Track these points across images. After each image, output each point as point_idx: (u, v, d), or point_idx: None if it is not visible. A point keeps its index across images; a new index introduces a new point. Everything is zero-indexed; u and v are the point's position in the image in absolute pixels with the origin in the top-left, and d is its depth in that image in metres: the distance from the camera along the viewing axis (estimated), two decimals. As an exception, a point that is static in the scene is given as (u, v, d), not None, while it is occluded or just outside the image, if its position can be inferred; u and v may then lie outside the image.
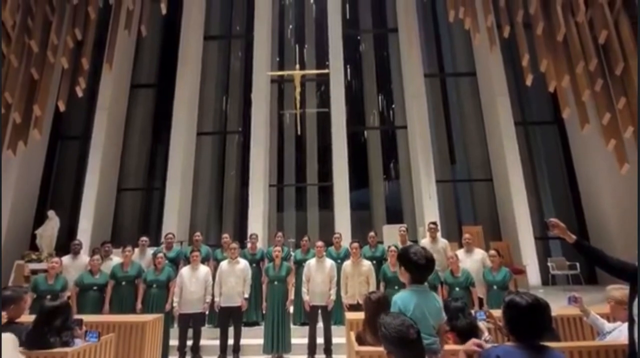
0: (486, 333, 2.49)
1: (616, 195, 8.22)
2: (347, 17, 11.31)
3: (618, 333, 2.47)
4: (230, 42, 11.64)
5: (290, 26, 11.73)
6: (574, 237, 2.16)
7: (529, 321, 1.53)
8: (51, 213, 8.26)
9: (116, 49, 9.28)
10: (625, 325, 2.38)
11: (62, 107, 8.74)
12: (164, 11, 9.27)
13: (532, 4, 8.33)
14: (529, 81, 8.45)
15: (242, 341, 4.95)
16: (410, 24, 10.11)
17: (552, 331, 2.63)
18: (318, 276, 4.88)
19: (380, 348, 2.27)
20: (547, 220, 2.26)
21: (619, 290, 2.49)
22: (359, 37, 11.60)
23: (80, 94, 8.87)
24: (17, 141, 8.36)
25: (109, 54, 9.27)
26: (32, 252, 7.88)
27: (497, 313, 2.56)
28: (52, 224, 8.15)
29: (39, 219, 8.83)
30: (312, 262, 5.03)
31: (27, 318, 2.93)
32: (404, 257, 2.02)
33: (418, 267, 1.96)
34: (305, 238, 5.93)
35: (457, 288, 4.63)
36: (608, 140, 7.64)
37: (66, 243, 7.54)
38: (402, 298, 1.93)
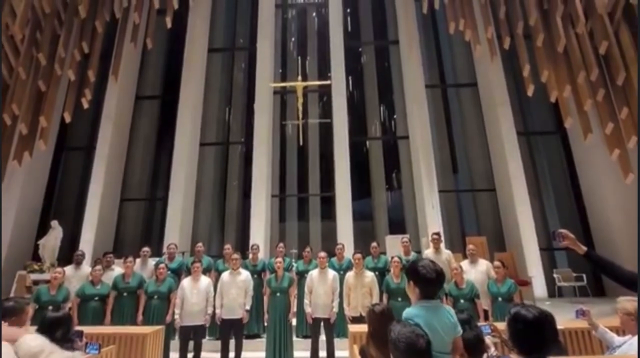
0: (492, 349, 2.43)
1: (621, 204, 8.14)
2: (349, 29, 11.49)
3: (628, 347, 2.40)
4: (233, 55, 11.81)
5: (293, 38, 11.91)
6: (584, 248, 2.10)
7: (534, 334, 1.49)
8: (54, 223, 8.28)
9: (122, 61, 9.44)
10: (636, 338, 2.33)
11: (67, 119, 8.86)
12: (169, 25, 9.46)
13: (532, 16, 8.42)
14: (530, 91, 8.49)
15: (244, 354, 4.87)
16: (411, 36, 10.23)
17: (559, 344, 2.57)
18: (320, 287, 4.83)
19: (384, 362, 2.23)
20: (556, 231, 2.19)
21: (630, 301, 2.41)
22: (360, 49, 11.74)
23: (86, 105, 9.00)
24: (22, 152, 8.46)
25: (114, 66, 9.44)
26: (34, 262, 7.87)
27: (503, 325, 2.51)
28: (55, 234, 8.16)
29: (42, 229, 8.86)
30: (314, 273, 4.98)
31: (29, 329, 2.91)
32: (413, 271, 1.95)
33: (427, 281, 1.88)
34: (308, 249, 5.89)
35: (461, 300, 4.56)
36: (612, 150, 7.62)
37: (69, 254, 7.54)
38: (411, 315, 1.85)
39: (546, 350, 1.49)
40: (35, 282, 6.97)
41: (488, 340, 2.50)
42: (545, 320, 1.51)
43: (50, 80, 8.80)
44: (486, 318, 4.46)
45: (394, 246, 6.82)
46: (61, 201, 10.19)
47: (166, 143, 10.53)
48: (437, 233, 5.72)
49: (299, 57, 9.99)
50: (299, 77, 8.87)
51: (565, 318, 3.83)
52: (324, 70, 10.89)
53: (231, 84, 11.52)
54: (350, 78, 10.85)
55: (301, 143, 9.67)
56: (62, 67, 8.87)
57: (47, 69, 8.78)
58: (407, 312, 1.89)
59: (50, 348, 0.75)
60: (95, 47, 9.20)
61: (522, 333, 1.51)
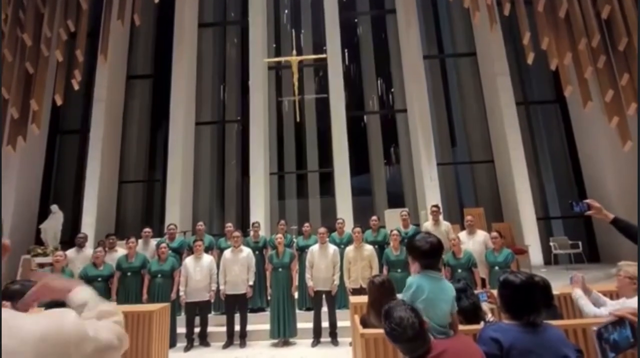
0: (489, 315, 2.50)
1: (619, 173, 8.17)
2: (344, -1, 11.06)
3: (618, 307, 2.46)
4: (225, 29, 11.43)
5: (286, 10, 11.49)
6: (611, 215, 2.10)
7: (522, 299, 1.54)
8: (54, 207, 8.30)
9: (110, 39, 9.14)
10: (629, 301, 2.39)
11: (59, 101, 8.68)
12: (156, -1, 9.08)
13: (533, -21, 8.10)
14: (530, 59, 8.30)
15: (249, 327, 5.04)
16: (408, 4, 9.88)
17: (554, 309, 2.65)
18: (321, 262, 4.92)
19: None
20: (574, 201, 2.14)
21: (633, 266, 2.44)
22: (356, 20, 11.37)
23: (76, 86, 8.79)
24: (16, 137, 8.34)
25: (103, 44, 9.15)
26: (38, 246, 7.95)
27: (500, 293, 2.56)
28: (56, 218, 8.20)
29: (43, 214, 8.89)
30: (315, 248, 5.06)
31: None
32: (410, 247, 1.98)
33: (422, 253, 1.90)
34: (307, 224, 5.96)
35: (459, 270, 4.66)
36: (611, 117, 7.54)
37: (71, 237, 7.60)
38: (414, 283, 1.88)
39: (536, 313, 1.54)
40: (41, 265, 7.07)
41: (485, 306, 2.57)
42: (533, 285, 1.56)
43: (37, 61, 8.53)
44: (483, 286, 4.58)
45: (393, 220, 6.88)
46: (59, 185, 10.17)
47: (161, 123, 10.40)
48: (436, 206, 5.77)
49: (293, 30, 9.68)
50: (294, 52, 8.64)
51: (560, 284, 3.93)
52: (319, 44, 10.58)
53: (224, 60, 11.22)
54: (346, 51, 10.57)
55: (298, 119, 9.55)
56: (49, 48, 8.58)
57: (34, 50, 8.50)
58: (411, 280, 1.91)
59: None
60: (81, 25, 8.87)
61: (511, 298, 1.56)
